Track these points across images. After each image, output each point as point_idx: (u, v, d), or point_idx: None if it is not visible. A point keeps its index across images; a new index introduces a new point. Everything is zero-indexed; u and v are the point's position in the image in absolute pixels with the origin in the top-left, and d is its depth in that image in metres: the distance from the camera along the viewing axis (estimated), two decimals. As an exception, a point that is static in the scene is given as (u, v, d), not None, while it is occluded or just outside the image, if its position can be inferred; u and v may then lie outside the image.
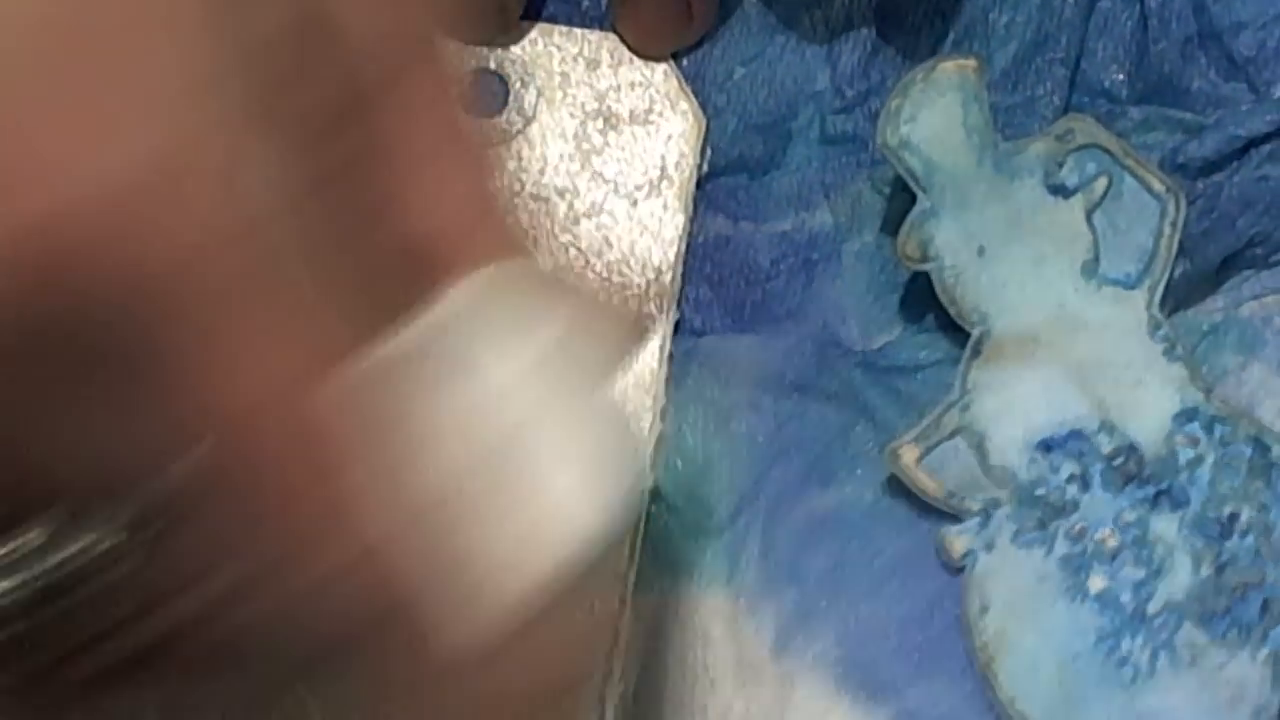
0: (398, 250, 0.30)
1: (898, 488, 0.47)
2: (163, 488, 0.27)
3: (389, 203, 0.30)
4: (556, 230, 0.47)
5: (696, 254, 0.48)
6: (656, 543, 0.47)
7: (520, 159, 0.47)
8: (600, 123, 0.47)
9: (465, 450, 0.29)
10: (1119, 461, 0.46)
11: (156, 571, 0.27)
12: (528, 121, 0.47)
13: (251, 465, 0.27)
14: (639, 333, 0.32)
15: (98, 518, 0.27)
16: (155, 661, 0.28)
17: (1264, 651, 0.46)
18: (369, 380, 0.28)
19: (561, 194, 0.47)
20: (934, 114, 0.47)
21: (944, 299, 0.47)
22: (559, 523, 0.29)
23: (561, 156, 0.47)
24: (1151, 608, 0.46)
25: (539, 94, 0.47)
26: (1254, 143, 0.47)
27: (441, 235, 0.30)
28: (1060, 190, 0.47)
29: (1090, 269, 0.47)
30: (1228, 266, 0.48)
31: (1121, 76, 0.48)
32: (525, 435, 0.29)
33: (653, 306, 0.47)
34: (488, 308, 0.30)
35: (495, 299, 0.30)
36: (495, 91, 0.48)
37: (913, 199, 0.47)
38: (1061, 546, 0.46)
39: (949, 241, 0.47)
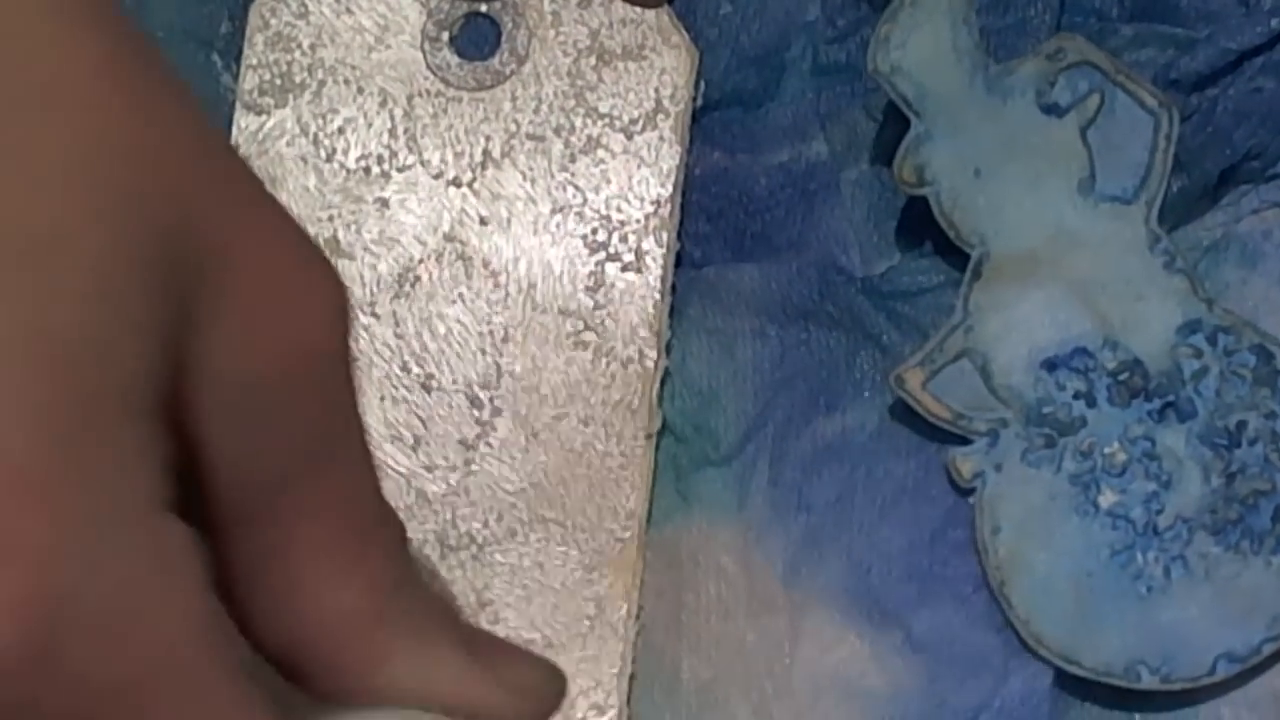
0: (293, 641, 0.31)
1: (903, 412, 0.47)
2: None
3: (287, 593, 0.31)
4: (554, 169, 0.47)
5: (694, 187, 0.48)
6: (666, 476, 0.47)
7: (515, 100, 0.48)
8: (594, 59, 0.48)
9: None
10: (1124, 376, 0.46)
11: None
12: (521, 62, 0.48)
13: None
14: None
15: None
16: None
17: (1277, 559, 0.46)
18: None
19: (558, 132, 0.47)
20: (923, 38, 0.47)
21: (942, 222, 0.47)
22: None
23: (556, 94, 0.48)
24: (1163, 521, 0.46)
25: (531, 34, 0.48)
26: (1246, 55, 0.47)
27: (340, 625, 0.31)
28: (1053, 109, 0.47)
29: (1087, 186, 0.47)
30: (1225, 181, 0.48)
31: (1111, -5, 0.48)
32: None
33: (652, 240, 0.47)
34: None
35: None
36: (487, 34, 0.48)
37: (907, 125, 0.47)
38: (1070, 464, 0.46)
39: (944, 165, 0.47)
